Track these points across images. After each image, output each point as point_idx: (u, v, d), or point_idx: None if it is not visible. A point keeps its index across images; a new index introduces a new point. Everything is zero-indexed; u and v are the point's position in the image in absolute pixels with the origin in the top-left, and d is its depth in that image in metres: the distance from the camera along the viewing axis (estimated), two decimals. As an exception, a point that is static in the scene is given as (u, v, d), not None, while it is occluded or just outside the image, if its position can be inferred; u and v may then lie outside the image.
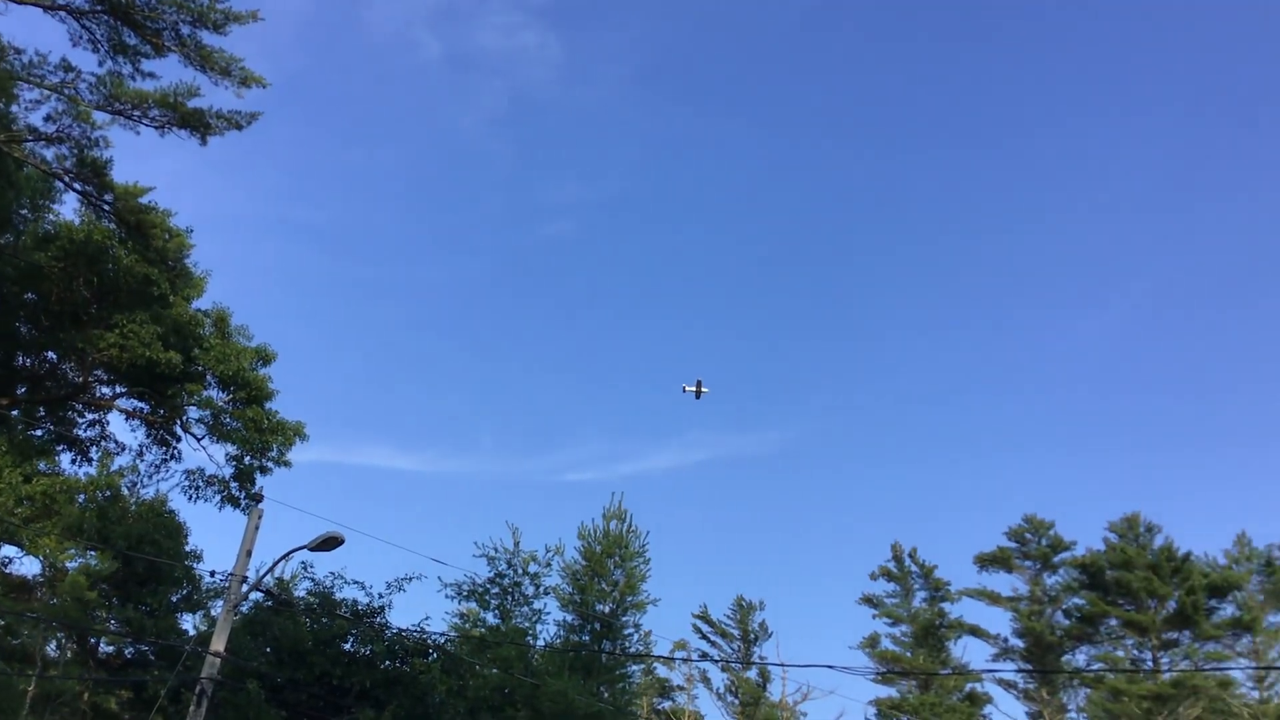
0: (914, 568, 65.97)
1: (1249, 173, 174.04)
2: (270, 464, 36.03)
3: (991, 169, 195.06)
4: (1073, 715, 62.45)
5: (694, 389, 70.67)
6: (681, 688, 68.24)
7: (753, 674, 63.50)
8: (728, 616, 66.92)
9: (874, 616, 65.69)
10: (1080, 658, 62.08)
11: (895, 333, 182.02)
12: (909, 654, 62.96)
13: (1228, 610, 58.65)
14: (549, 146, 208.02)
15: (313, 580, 33.39)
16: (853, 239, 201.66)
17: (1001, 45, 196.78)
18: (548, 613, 41.56)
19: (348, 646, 31.45)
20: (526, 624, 39.78)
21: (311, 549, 26.55)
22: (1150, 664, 57.81)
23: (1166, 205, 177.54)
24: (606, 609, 42.97)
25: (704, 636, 66.39)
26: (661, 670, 67.89)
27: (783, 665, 56.60)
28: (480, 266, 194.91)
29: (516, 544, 41.03)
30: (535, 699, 34.38)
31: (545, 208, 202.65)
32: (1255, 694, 59.95)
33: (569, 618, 42.74)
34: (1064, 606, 61.82)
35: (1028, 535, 64.23)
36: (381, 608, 32.46)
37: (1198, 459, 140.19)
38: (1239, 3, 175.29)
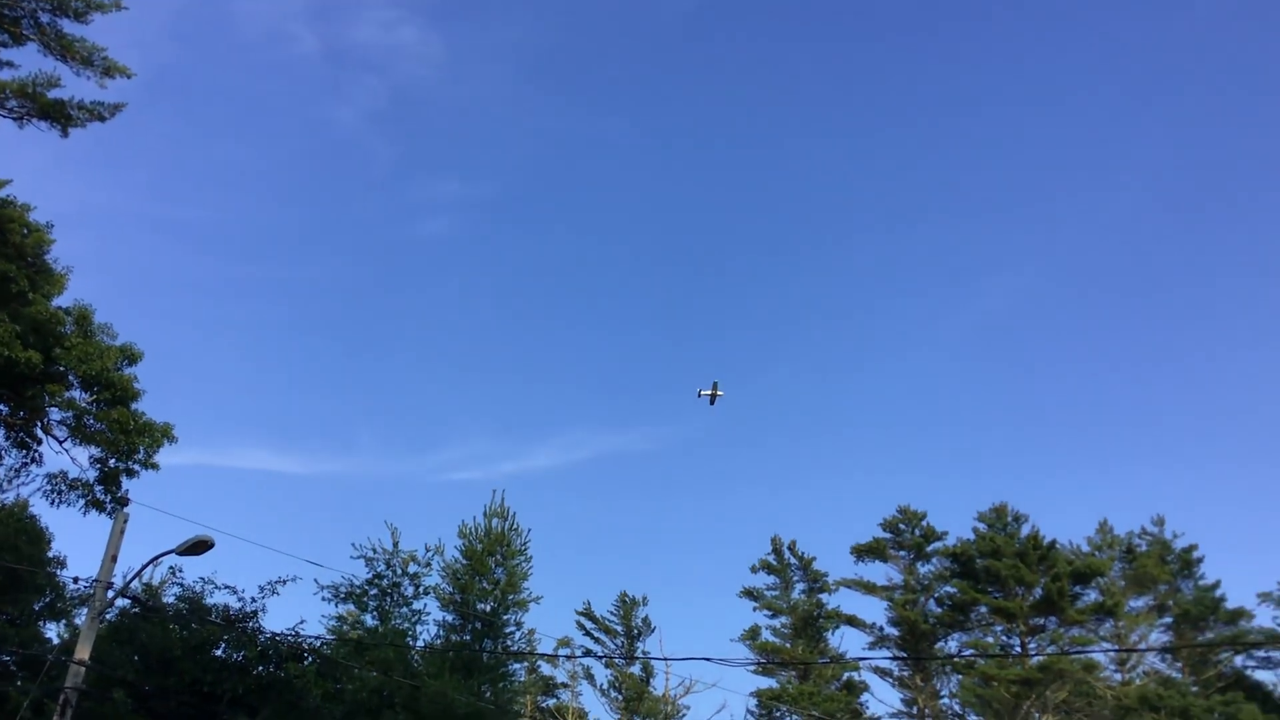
0: (793, 560, 67.12)
1: (1119, 168, 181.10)
2: (137, 466, 34.97)
3: (869, 162, 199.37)
4: (945, 701, 64.36)
5: (709, 393, 70.19)
6: (565, 685, 68.26)
7: (636, 669, 63.84)
8: (611, 613, 67.18)
9: (754, 609, 66.69)
10: (952, 644, 64.00)
11: (772, 328, 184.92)
12: (788, 645, 64.02)
13: (1091, 596, 61.01)
14: (428, 144, 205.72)
15: (182, 585, 32.56)
16: (730, 238, 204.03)
17: (881, 42, 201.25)
18: (428, 613, 41.14)
19: (219, 653, 30.70)
20: (406, 625, 39.39)
21: (180, 553, 25.89)
22: (1019, 649, 59.82)
23: (1038, 199, 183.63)
24: (488, 608, 42.80)
25: (588, 633, 66.53)
26: (545, 668, 67.81)
27: (665, 659, 56.99)
28: (358, 265, 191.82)
29: (396, 544, 40.60)
30: (415, 700, 34.03)
31: (424, 206, 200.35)
32: (1118, 677, 62.53)
33: (450, 617, 42.48)
34: (936, 595, 63.62)
35: (902, 526, 65.89)
36: (254, 612, 31.80)
37: (1062, 448, 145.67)
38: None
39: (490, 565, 43.48)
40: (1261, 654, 65.49)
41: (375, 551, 40.25)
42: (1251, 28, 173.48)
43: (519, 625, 43.50)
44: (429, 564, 41.16)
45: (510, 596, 43.00)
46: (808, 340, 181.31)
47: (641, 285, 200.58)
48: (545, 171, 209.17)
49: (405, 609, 39.97)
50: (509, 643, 43.24)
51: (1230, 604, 63.77)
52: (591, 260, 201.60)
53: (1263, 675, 65.25)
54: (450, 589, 43.03)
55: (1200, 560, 65.22)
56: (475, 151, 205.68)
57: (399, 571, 40.26)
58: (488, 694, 40.52)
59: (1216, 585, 64.25)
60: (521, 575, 43.80)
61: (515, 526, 45.18)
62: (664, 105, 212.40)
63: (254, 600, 31.98)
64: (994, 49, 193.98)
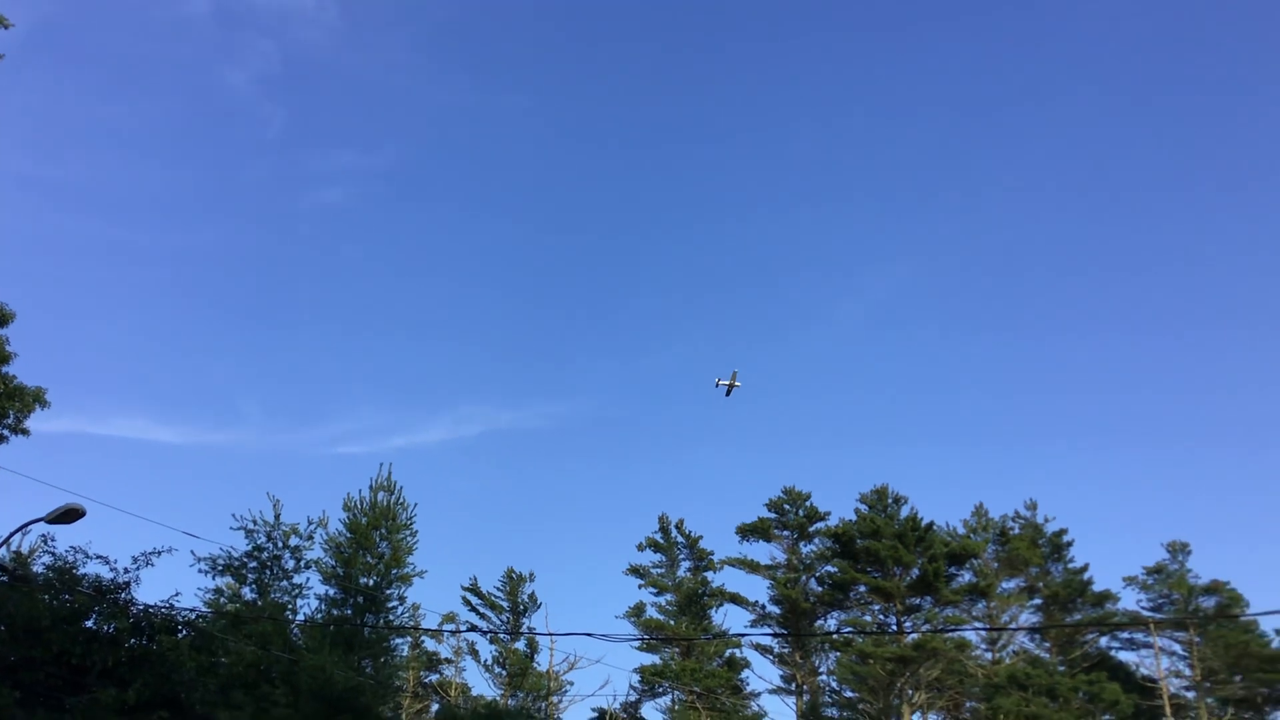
0: (680, 539, 67.82)
1: (993, 167, 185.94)
2: (5, 432, 33.64)
3: (766, 151, 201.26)
4: (823, 678, 65.77)
5: (727, 383, 69.40)
6: (449, 660, 68.05)
7: (520, 645, 63.89)
8: (497, 589, 67.04)
9: (640, 586, 67.26)
10: (831, 623, 65.35)
11: (670, 304, 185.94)
12: (673, 622, 64.69)
13: (966, 577, 62.87)
14: (323, 112, 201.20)
15: (53, 555, 31.50)
16: (629, 216, 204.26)
17: (778, 41, 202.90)
18: (309, 587, 40.57)
19: (89, 624, 29.82)
20: (286, 598, 38.80)
21: (50, 521, 25.13)
22: (895, 628, 61.34)
23: (919, 195, 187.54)
24: (371, 582, 42.35)
25: (473, 609, 66.30)
26: (430, 644, 67.49)
27: (550, 635, 56.94)
28: (248, 232, 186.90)
29: (277, 516, 39.93)
30: (293, 675, 33.57)
31: (318, 174, 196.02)
32: (989, 656, 64.58)
33: (331, 591, 41.91)
34: (818, 574, 64.89)
35: (786, 506, 66.98)
36: (127, 583, 30.92)
37: (941, 432, 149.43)
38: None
39: (375, 539, 42.97)
40: (1125, 635, 68.28)
41: (256, 523, 39.56)
42: (1118, 28, 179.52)
43: (402, 600, 43.13)
44: (311, 537, 40.63)
45: (394, 571, 42.58)
46: (704, 318, 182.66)
47: (539, 261, 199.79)
48: (443, 144, 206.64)
49: (285, 582, 39.39)
50: (392, 618, 42.84)
51: (1097, 587, 66.34)
52: (487, 235, 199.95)
53: (1126, 656, 68.06)
54: (333, 563, 42.45)
55: (1070, 544, 67.63)
56: (372, 121, 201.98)
57: (280, 544, 39.62)
58: (369, 669, 40.17)
59: (1085, 569, 66.72)
60: (406, 550, 43.40)
61: (402, 500, 44.73)
62: (565, 82, 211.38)
63: (127, 571, 31.11)
64: (873, 51, 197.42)
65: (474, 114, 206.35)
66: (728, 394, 69.80)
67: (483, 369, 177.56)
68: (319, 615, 40.75)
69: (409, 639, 56.86)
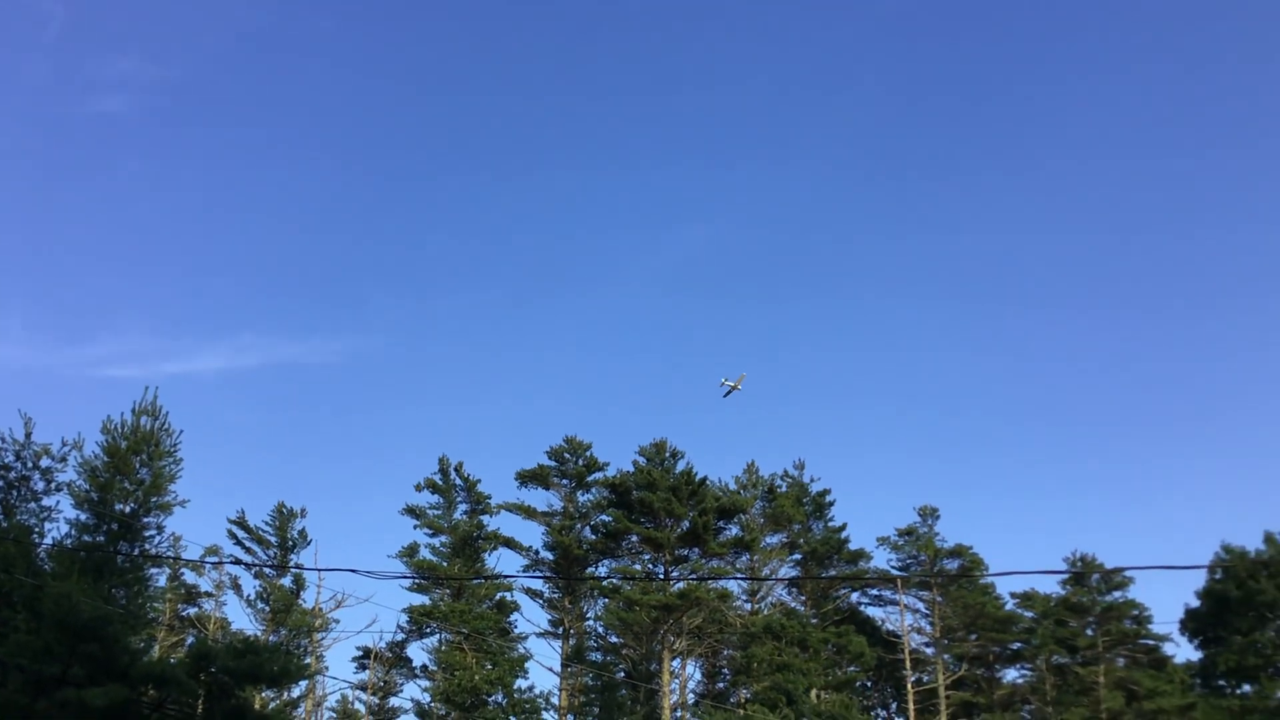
0: (459, 481, 67.47)
1: (803, 135, 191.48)
2: None
3: (583, 109, 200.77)
4: (590, 623, 67.19)
5: (731, 385, 67.89)
6: (210, 594, 66.09)
7: (287, 581, 62.51)
8: (266, 523, 65.25)
9: (416, 527, 66.68)
10: (603, 570, 66.77)
11: (472, 247, 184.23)
12: (446, 564, 64.60)
13: (733, 531, 65.26)
14: (107, 13, 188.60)
15: None
16: (434, 153, 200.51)
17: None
18: (60, 511, 38.66)
19: None
20: (34, 521, 36.89)
21: None
22: (662, 576, 63.16)
23: (728, 158, 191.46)
24: (128, 509, 40.61)
25: (239, 542, 64.30)
26: (190, 576, 65.33)
27: (318, 570, 56.18)
28: (15, 135, 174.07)
29: (28, 435, 37.87)
30: (36, 601, 31.98)
31: (99, 81, 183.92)
32: (749, 606, 67.40)
33: (84, 516, 39.97)
34: (593, 523, 66.04)
35: (567, 455, 67.69)
36: None
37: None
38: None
39: (134, 465, 41.07)
40: (874, 592, 72.54)
41: (4, 442, 37.43)
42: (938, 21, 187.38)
43: (161, 530, 41.45)
44: (65, 459, 38.72)
45: (154, 499, 40.84)
46: (507, 262, 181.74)
47: (334, 192, 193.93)
48: (239, 62, 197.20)
49: (34, 504, 37.46)
50: (149, 547, 41.21)
51: (853, 545, 70.13)
52: (281, 161, 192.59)
53: (874, 611, 72.41)
54: (87, 487, 40.42)
55: (832, 504, 71.20)
56: (161, 28, 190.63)
57: (29, 465, 37.66)
58: (121, 598, 38.64)
59: (843, 528, 70.41)
60: (169, 478, 41.62)
61: (167, 426, 42.75)
62: (374, 10, 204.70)
63: None
64: (685, 17, 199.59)
65: (274, 34, 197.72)
66: (726, 395, 70.55)
67: (267, 299, 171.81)
68: (69, 540, 38.88)
69: (167, 570, 54.94)
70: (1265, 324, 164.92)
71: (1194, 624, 62.00)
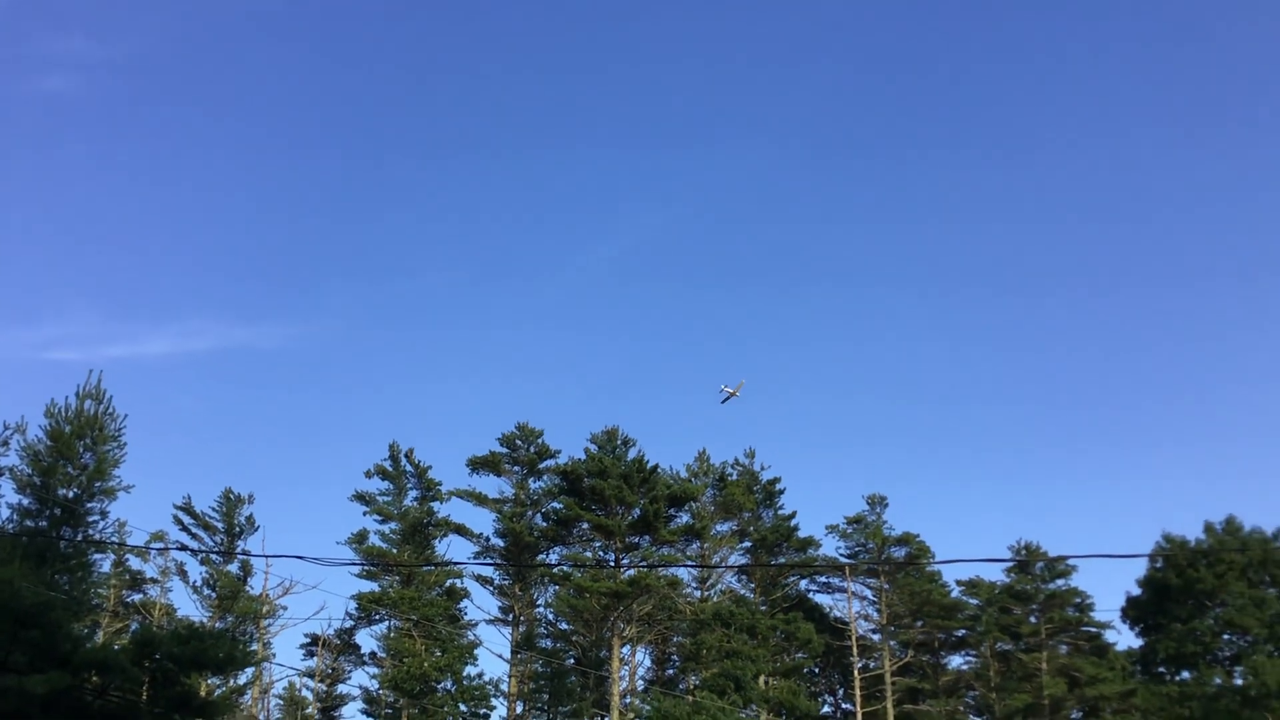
0: (409, 468, 67.12)
1: (758, 122, 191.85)
2: None
3: (540, 90, 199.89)
4: (540, 609, 67.23)
5: (730, 391, 67.57)
6: (155, 580, 65.29)
7: (234, 567, 61.93)
8: (213, 509, 64.54)
9: (365, 513, 66.26)
10: (554, 558, 66.75)
11: (425, 229, 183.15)
12: (396, 550, 64.30)
13: (684, 518, 65.46)
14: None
15: None
16: (386, 138, 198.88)
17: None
18: (1, 495, 38.09)
19: None
20: (-28, 506, 36.29)
21: None
22: (613, 564, 63.32)
23: (683, 145, 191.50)
24: (71, 494, 40.08)
25: (185, 528, 63.57)
26: (136, 562, 64.50)
27: (265, 556, 55.76)
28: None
29: (-33, 419, 37.19)
30: (-26, 587, 31.46)
31: (43, 60, 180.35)
32: (698, 593, 67.74)
33: (26, 501, 39.41)
34: (544, 510, 65.98)
35: (518, 442, 67.58)
36: None
37: (670, 382, 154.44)
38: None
39: (78, 449, 40.57)
40: (823, 579, 73.19)
41: (-59, 425, 36.74)
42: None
43: (105, 515, 40.99)
44: (7, 443, 38.15)
45: (98, 484, 40.38)
46: (461, 247, 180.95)
47: (280, 173, 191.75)
48: (186, 41, 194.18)
49: (-27, 489, 36.86)
50: (93, 532, 40.73)
51: (802, 533, 70.59)
52: (231, 143, 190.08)
53: (822, 599, 73.03)
54: (29, 471, 39.86)
55: (782, 492, 71.62)
56: (106, 8, 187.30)
57: (-31, 449, 36.95)
58: (64, 584, 38.13)
59: (793, 516, 70.80)
60: (113, 462, 41.16)
61: (111, 411, 42.26)
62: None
63: None
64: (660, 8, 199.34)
65: (221, 13, 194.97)
66: (724, 401, 70.56)
67: (216, 283, 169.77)
68: (10, 526, 38.29)
69: (111, 556, 54.24)
70: (1210, 315, 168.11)
71: (1135, 612, 63.22)
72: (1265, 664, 53.23)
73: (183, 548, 62.13)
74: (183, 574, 61.63)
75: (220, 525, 64.02)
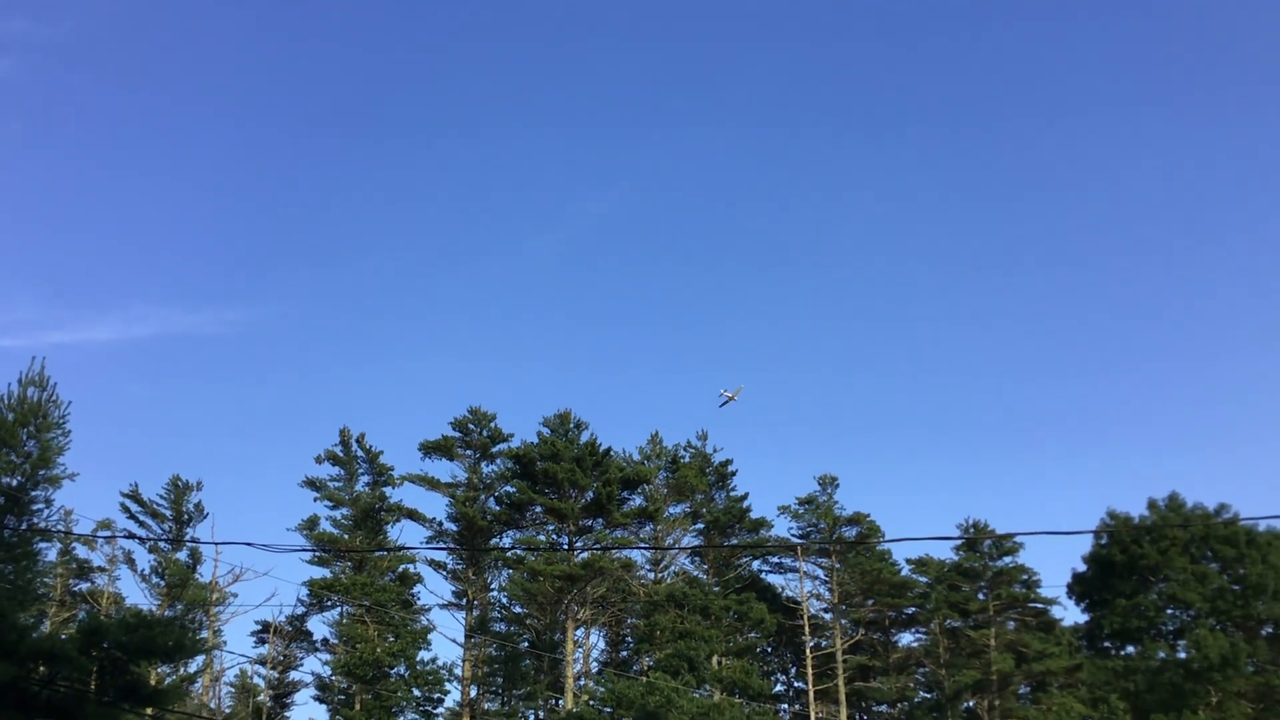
0: (360, 453, 66.72)
1: (707, 108, 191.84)
2: None
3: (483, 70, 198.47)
4: (494, 593, 67.18)
5: (729, 395, 67.11)
6: (103, 569, 64.54)
7: (183, 555, 61.30)
8: (161, 497, 63.81)
9: (316, 499, 65.81)
10: (507, 541, 66.73)
11: (372, 214, 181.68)
12: (347, 536, 63.97)
13: (637, 501, 65.69)
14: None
15: None
16: (334, 118, 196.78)
17: None
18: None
19: None
20: (-87, 496, 35.59)
21: None
22: (566, 547, 63.41)
23: (631, 127, 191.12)
24: (14, 482, 39.44)
25: (132, 516, 62.82)
26: (83, 551, 63.69)
27: (214, 544, 55.22)
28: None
29: (-93, 406, 36.41)
30: (-84, 577, 30.96)
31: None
32: (652, 575, 68.01)
33: (-33, 490, 38.73)
34: (497, 494, 65.87)
35: (471, 426, 67.32)
36: None
37: (622, 365, 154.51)
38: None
39: (20, 437, 39.90)
40: (775, 560, 73.72)
41: (-120, 413, 35.95)
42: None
43: (49, 503, 40.40)
44: (-54, 431, 37.34)
45: (42, 472, 39.75)
46: (410, 231, 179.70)
47: (226, 157, 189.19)
48: (130, 22, 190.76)
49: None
50: (37, 520, 40.13)
51: (755, 514, 71.04)
52: (171, 123, 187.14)
53: (774, 579, 73.57)
54: (-30, 460, 39.19)
55: (734, 474, 72.01)
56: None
57: (-92, 438, 36.22)
58: (9, 573, 37.59)
59: (745, 497, 71.23)
60: (57, 450, 40.51)
61: (54, 398, 41.56)
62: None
63: None
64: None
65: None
66: (722, 405, 70.38)
67: (160, 268, 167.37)
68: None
69: (57, 545, 53.53)
70: (1153, 291, 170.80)
71: (1080, 588, 64.22)
72: (1208, 638, 54.31)
73: (130, 535, 61.51)
74: (131, 562, 60.97)
75: (168, 513, 63.37)
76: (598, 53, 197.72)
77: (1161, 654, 58.05)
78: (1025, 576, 68.44)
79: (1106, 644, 62.26)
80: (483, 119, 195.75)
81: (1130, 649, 60.55)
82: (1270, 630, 58.27)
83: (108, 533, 59.54)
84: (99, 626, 30.25)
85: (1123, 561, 60.58)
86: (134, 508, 62.58)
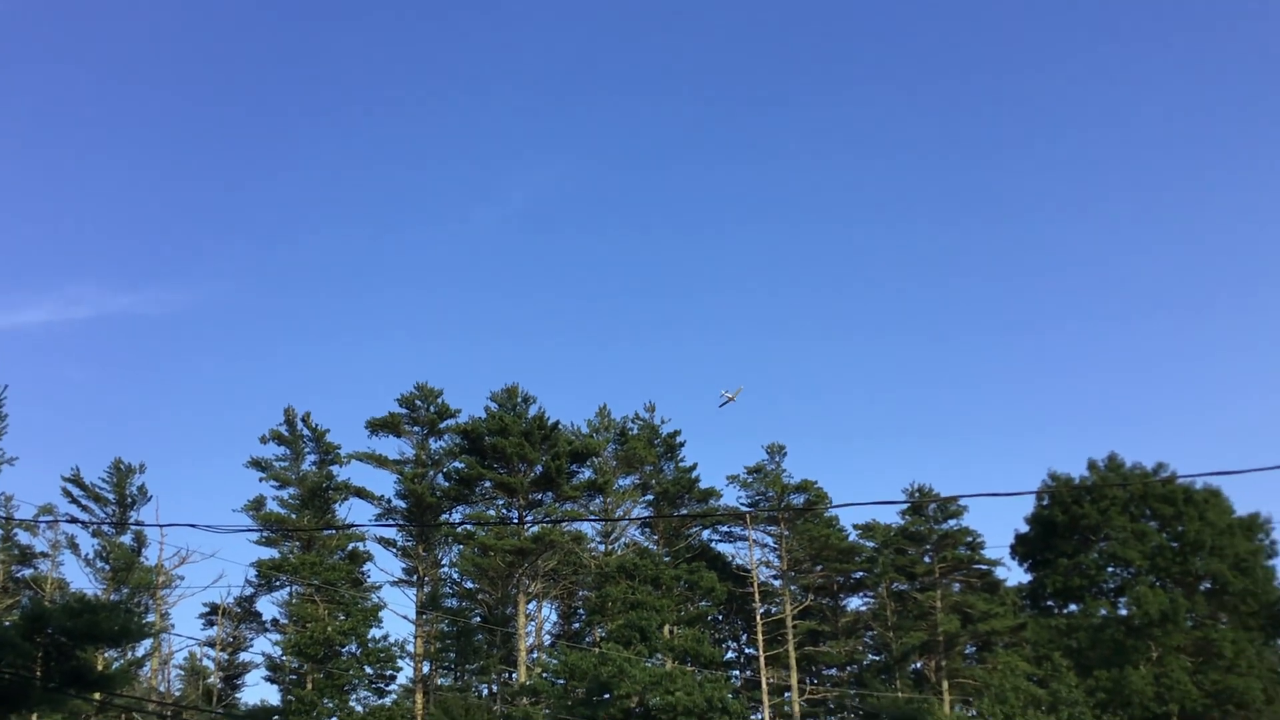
0: (306, 432, 66.16)
1: (650, 79, 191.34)
2: None
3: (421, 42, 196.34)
4: (445, 569, 67.12)
5: (729, 396, 66.40)
6: (46, 554, 63.57)
7: (127, 538, 60.61)
8: (103, 480, 62.98)
9: (262, 480, 65.17)
10: (457, 517, 66.64)
11: (317, 183, 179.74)
12: (295, 516, 63.49)
13: (586, 474, 65.85)
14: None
15: None
16: (269, 91, 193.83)
17: None
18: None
19: None
20: None
21: None
22: (516, 521, 63.47)
23: (574, 99, 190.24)
24: (-49, 469, 38.82)
25: (75, 500, 61.99)
26: (24, 536, 62.67)
27: (159, 526, 54.57)
28: None
29: None
30: None
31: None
32: (602, 548, 68.25)
33: (-98, 478, 38.10)
34: (445, 470, 65.71)
35: (418, 402, 66.96)
36: None
37: (569, 338, 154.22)
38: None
39: (-44, 423, 39.31)
40: (725, 529, 74.25)
41: None
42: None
43: (-11, 489, 39.87)
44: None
45: (-21, 457, 39.22)
46: (352, 205, 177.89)
47: (164, 130, 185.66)
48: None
49: None
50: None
51: (704, 484, 71.46)
52: (107, 96, 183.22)
53: (724, 548, 74.10)
54: (-95, 447, 38.49)
55: (683, 445, 72.28)
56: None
57: None
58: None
59: (694, 468, 71.59)
60: (-6, 435, 40.03)
61: (-10, 382, 41.06)
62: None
63: None
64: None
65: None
66: (721, 405, 70.15)
67: (97, 248, 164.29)
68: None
69: (-2, 531, 52.68)
70: (1088, 252, 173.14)
71: (1023, 548, 65.51)
72: (1148, 594, 55.71)
73: (73, 520, 60.57)
74: (74, 547, 60.15)
75: (111, 496, 62.61)
76: (549, 15, 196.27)
77: (1103, 611, 59.46)
78: (969, 539, 69.64)
79: (1049, 603, 63.61)
80: (429, 85, 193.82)
81: (1073, 607, 61.93)
82: (1208, 585, 59.85)
83: (49, 518, 58.50)
84: (43, 613, 29.95)
85: (1064, 522, 61.82)
86: (76, 492, 61.80)
